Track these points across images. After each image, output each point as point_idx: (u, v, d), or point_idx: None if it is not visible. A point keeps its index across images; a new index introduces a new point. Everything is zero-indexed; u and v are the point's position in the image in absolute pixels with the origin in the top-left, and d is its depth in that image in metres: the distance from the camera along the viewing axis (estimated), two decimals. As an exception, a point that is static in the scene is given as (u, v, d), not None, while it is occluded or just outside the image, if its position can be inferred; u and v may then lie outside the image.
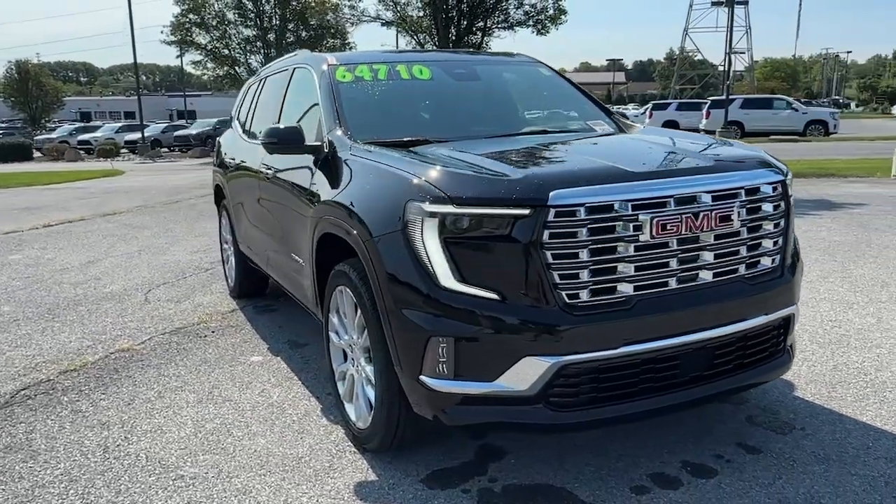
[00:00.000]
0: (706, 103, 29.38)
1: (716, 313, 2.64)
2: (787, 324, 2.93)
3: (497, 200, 2.43)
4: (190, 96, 69.19)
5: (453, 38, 16.95)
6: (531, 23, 17.53)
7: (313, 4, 29.62)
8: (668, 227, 2.52)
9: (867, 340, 4.24)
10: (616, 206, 2.46)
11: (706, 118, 27.42)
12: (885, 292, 5.27)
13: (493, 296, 2.46)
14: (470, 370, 2.50)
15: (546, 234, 2.40)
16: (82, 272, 7.02)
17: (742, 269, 2.74)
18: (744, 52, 67.79)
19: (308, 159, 3.58)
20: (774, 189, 2.81)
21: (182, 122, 46.53)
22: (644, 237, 2.49)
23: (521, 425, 2.58)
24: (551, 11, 17.44)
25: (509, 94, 4.20)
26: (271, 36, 30.15)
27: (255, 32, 30.00)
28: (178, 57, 35.32)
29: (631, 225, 2.47)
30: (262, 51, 30.70)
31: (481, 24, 17.40)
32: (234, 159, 5.24)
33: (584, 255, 2.44)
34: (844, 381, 3.63)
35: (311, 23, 29.74)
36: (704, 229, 2.59)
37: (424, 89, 3.94)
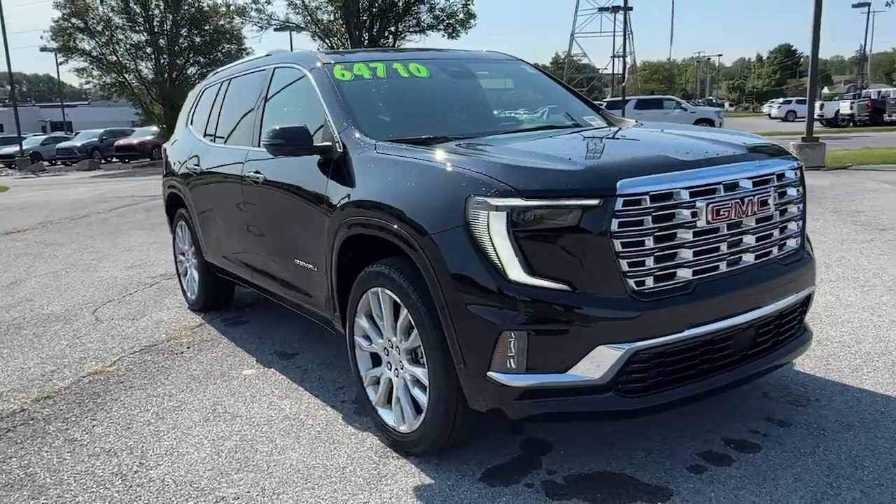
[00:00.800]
0: (603, 104, 30.58)
1: (759, 294, 2.76)
2: (807, 302, 3.11)
3: (566, 192, 2.45)
4: (66, 106, 65.14)
5: (365, 42, 16.81)
6: (442, 27, 17.70)
7: (207, 9, 28.61)
8: (721, 213, 2.62)
9: (836, 317, 4.55)
10: (675, 194, 2.53)
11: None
12: (831, 272, 5.67)
13: (564, 287, 2.46)
14: (542, 362, 2.49)
15: (615, 223, 2.43)
16: (9, 294, 6.46)
17: (775, 251, 2.88)
18: (627, 56, 71.04)
19: (313, 161, 3.46)
20: (796, 174, 2.97)
21: (61, 133, 43.67)
22: (700, 223, 2.57)
23: (590, 414, 2.60)
24: (461, 16, 17.69)
25: (507, 92, 4.23)
26: (163, 41, 28.85)
27: (145, 38, 28.61)
28: (60, 64, 33.08)
29: (689, 211, 2.55)
30: (152, 57, 29.32)
31: (393, 28, 17.35)
32: (197, 166, 4.98)
33: (649, 242, 2.49)
34: (834, 355, 3.88)
35: (206, 28, 28.68)
36: (748, 214, 2.71)
37: (427, 87, 3.89)
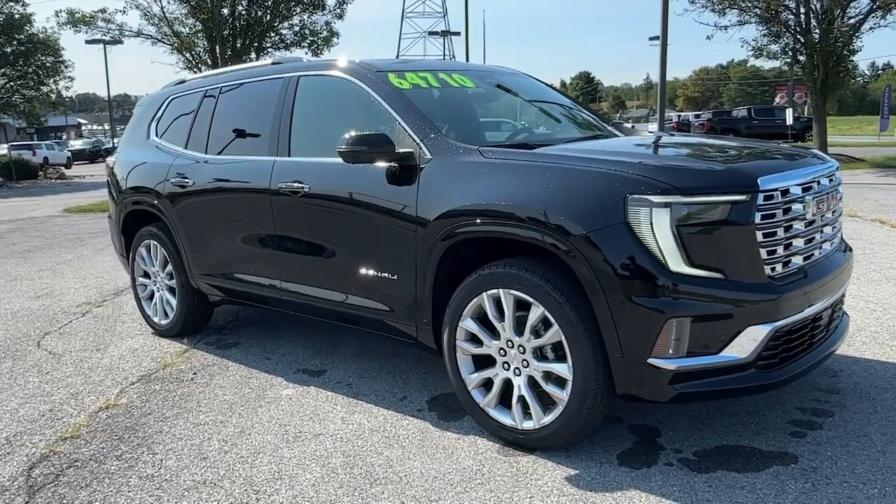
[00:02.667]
0: None
1: (837, 277, 3.17)
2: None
3: (720, 188, 2.70)
4: None
5: (228, 57, 16.08)
6: (305, 44, 17.42)
7: (18, 17, 25.90)
8: (819, 206, 3.00)
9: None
10: (791, 190, 2.87)
11: None
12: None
13: (718, 275, 2.71)
14: (699, 346, 2.71)
15: (758, 215, 2.72)
16: None
17: (836, 241, 3.33)
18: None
19: (380, 169, 3.43)
20: (840, 174, 3.45)
21: None
22: (808, 215, 2.94)
23: (734, 391, 2.85)
24: (324, 34, 17.57)
25: (541, 102, 4.39)
26: (-36, 51, 25.67)
27: (-60, 47, 25.30)
28: None
29: (801, 205, 2.90)
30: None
31: (256, 43, 16.77)
32: (186, 180, 4.62)
33: (780, 232, 2.81)
34: (823, 333, 4.47)
35: (18, 37, 25.86)
36: (829, 207, 3.13)
37: (479, 97, 3.99)
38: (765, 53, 18.74)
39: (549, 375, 3.00)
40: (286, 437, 3.39)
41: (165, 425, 3.59)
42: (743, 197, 2.70)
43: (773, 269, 2.80)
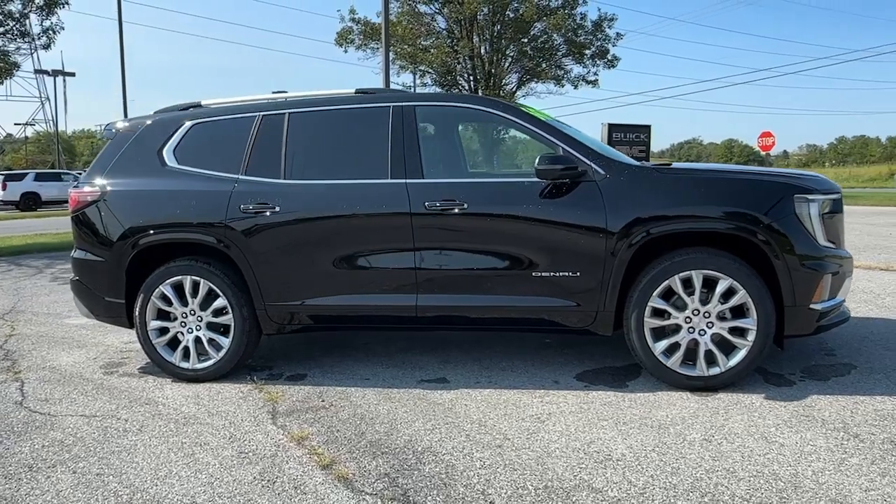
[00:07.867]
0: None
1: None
2: None
3: (830, 190, 4.20)
4: None
5: None
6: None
7: None
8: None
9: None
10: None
11: (3, 190, 30.26)
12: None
13: (835, 246, 4.18)
14: (832, 293, 4.13)
15: (840, 206, 4.30)
16: None
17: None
18: (42, 122, 65.41)
19: (545, 185, 4.15)
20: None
21: None
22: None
23: (834, 324, 4.30)
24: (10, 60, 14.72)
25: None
26: None
27: None
28: None
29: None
30: None
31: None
32: (269, 207, 4.43)
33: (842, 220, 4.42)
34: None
35: None
36: (824, 207, 4.88)
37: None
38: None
39: (732, 330, 4.09)
40: (531, 425, 3.80)
41: (424, 443, 3.55)
42: (839, 195, 4.25)
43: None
